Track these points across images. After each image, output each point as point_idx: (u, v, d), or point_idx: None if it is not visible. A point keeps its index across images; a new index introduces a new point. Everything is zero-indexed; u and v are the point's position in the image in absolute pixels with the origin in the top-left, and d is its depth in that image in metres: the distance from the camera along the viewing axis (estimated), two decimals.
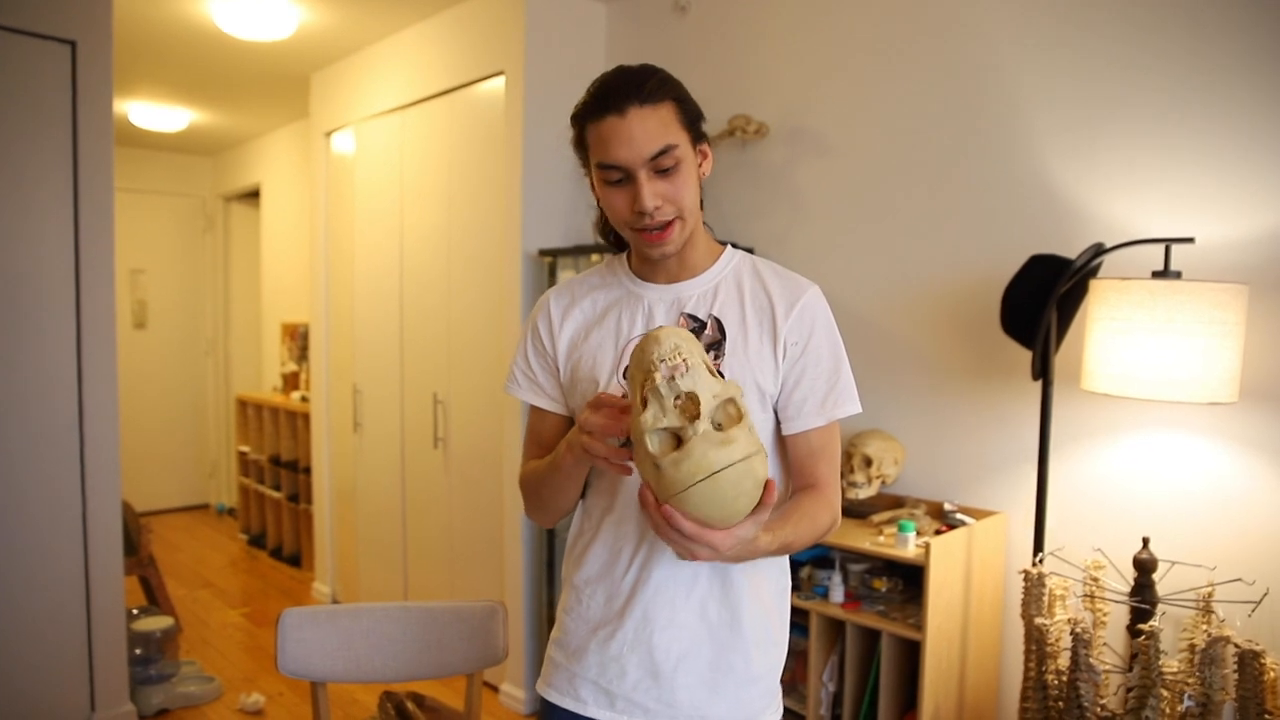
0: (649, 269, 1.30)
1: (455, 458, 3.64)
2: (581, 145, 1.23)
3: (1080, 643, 1.84)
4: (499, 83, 3.31)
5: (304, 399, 5.27)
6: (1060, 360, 2.18)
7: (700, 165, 1.24)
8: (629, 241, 1.27)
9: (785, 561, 1.34)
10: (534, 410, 1.38)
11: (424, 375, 3.80)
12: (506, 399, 3.26)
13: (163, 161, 6.54)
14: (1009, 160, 2.37)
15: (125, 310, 6.32)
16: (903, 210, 2.60)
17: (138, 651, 3.38)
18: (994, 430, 2.42)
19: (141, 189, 6.39)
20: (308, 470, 5.02)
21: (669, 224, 1.19)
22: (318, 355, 4.60)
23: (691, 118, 1.21)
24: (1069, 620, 1.91)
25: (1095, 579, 2.04)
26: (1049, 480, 2.13)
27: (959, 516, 2.35)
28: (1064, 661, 1.92)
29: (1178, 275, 1.91)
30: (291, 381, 5.70)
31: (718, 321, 1.25)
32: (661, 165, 1.16)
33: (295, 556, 5.34)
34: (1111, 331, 1.90)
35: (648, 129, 1.15)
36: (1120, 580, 2.08)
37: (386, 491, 4.09)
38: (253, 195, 6.43)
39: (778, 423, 1.27)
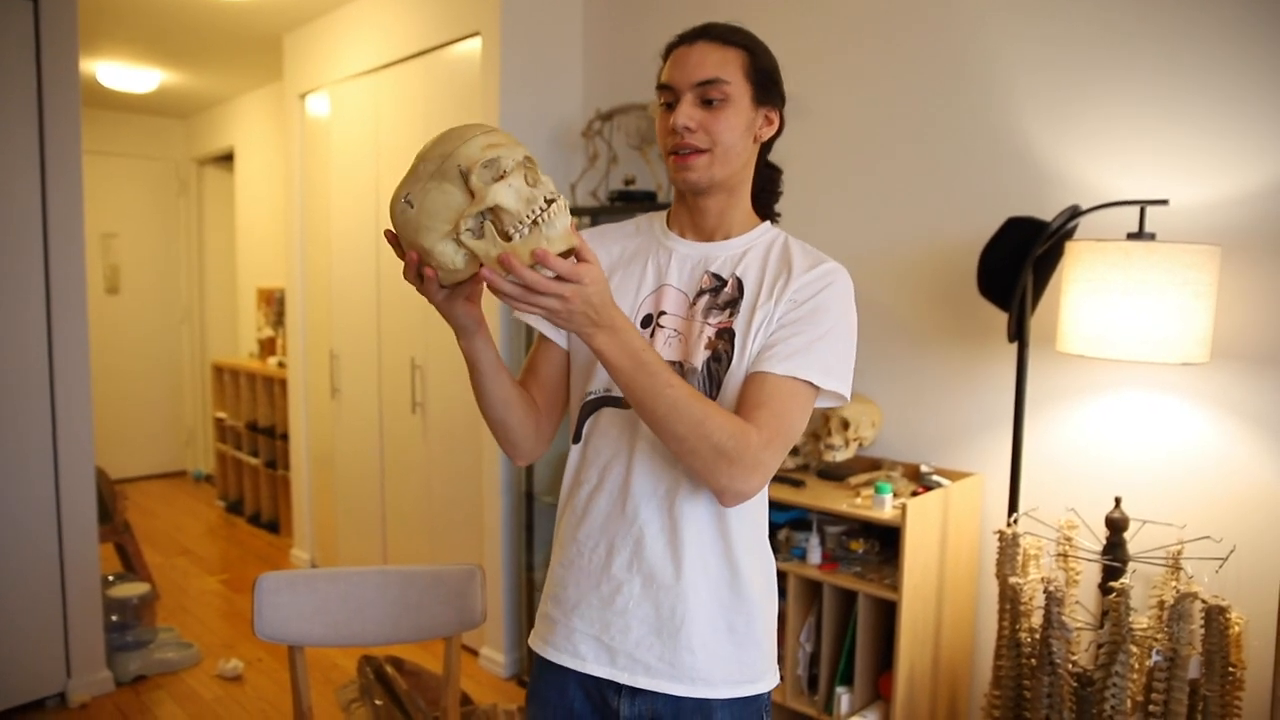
0: (684, 224, 1.30)
1: (433, 423, 3.63)
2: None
3: (1053, 601, 1.87)
4: (475, 43, 3.25)
5: (281, 364, 5.22)
6: (1036, 322, 2.19)
7: (759, 126, 1.25)
8: (667, 171, 1.27)
9: (766, 542, 1.31)
10: (539, 337, 1.34)
11: (401, 340, 3.77)
12: None
13: (134, 124, 6.42)
14: (986, 123, 2.36)
15: (97, 275, 6.22)
16: (880, 173, 2.59)
17: (114, 618, 3.37)
18: (970, 392, 2.43)
19: (112, 151, 6.27)
20: (285, 436, 4.99)
21: (698, 151, 1.20)
22: (294, 320, 4.55)
23: (759, 73, 1.23)
24: (1042, 579, 1.93)
25: (1068, 538, 2.07)
26: (1024, 441, 2.15)
27: (935, 478, 2.37)
28: (1037, 620, 1.95)
29: (1152, 237, 1.92)
30: (268, 347, 5.65)
31: (739, 281, 1.24)
32: (707, 95, 1.19)
33: (273, 523, 5.33)
34: (1086, 293, 1.91)
35: (705, 60, 1.20)
36: (1093, 539, 2.10)
37: (365, 457, 4.07)
38: (226, 159, 6.33)
39: None
